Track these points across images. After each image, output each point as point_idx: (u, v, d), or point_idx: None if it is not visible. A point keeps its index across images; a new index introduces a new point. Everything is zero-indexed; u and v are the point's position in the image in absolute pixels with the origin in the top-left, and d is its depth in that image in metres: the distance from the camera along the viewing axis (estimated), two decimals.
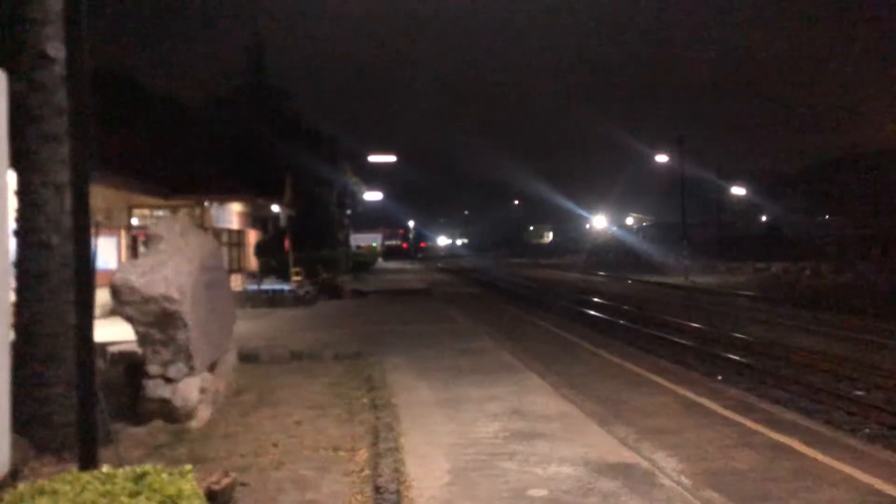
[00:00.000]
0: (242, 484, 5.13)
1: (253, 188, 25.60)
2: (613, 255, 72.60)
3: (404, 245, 79.38)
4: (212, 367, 7.69)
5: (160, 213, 19.58)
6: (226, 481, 4.58)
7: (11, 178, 5.79)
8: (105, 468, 3.44)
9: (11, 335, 5.55)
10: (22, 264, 5.85)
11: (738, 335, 16.17)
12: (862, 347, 14.24)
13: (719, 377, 11.91)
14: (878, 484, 5.40)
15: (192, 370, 7.00)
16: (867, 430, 8.93)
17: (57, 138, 5.86)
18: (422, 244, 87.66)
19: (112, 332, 9.36)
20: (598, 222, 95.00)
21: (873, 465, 5.87)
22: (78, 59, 4.35)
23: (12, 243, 5.74)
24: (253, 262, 26.86)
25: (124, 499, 2.98)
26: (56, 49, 5.85)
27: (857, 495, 5.19)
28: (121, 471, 3.30)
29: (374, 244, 67.85)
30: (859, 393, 10.72)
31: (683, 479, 5.50)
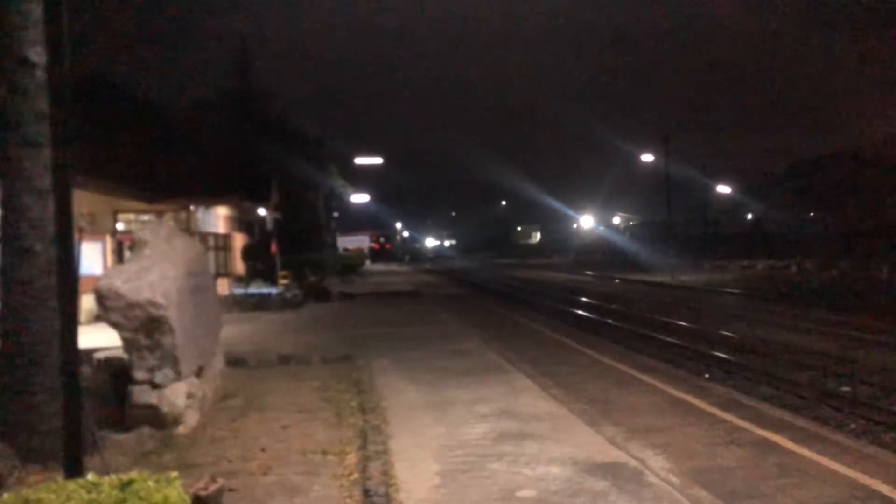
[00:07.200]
0: (230, 489, 5.10)
1: (239, 192, 25.52)
2: (601, 254, 72.84)
3: (376, 246, 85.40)
4: (199, 372, 7.65)
5: (145, 217, 19.49)
6: (213, 487, 4.55)
7: None
8: (91, 476, 3.41)
9: None
10: (5, 271, 5.81)
11: (725, 333, 16.26)
12: (847, 344, 14.34)
13: (706, 375, 11.98)
14: (865, 479, 5.44)
15: (178, 375, 6.96)
16: (853, 427, 9.00)
17: (39, 144, 5.81)
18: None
19: (98, 338, 9.31)
20: (586, 222, 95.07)
21: (860, 461, 5.91)
22: (59, 64, 4.32)
23: None
24: (240, 266, 26.75)
25: None
26: (37, 54, 5.81)
27: (845, 491, 5.22)
28: (106, 478, 3.28)
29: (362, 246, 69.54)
30: (845, 389, 10.80)
31: (672, 477, 5.51)
